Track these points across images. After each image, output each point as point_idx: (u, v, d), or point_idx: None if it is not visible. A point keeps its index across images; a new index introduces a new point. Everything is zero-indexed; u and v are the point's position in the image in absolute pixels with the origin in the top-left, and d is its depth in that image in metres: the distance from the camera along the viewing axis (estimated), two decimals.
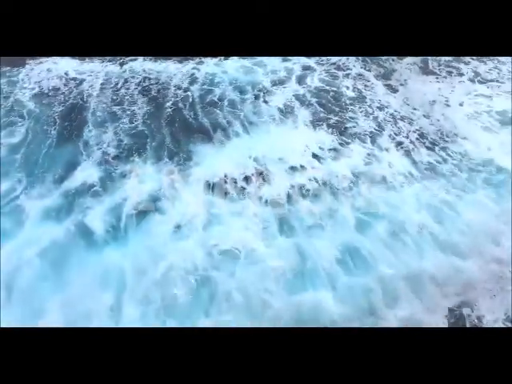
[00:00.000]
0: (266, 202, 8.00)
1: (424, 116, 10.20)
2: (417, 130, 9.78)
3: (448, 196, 8.26)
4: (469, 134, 9.65)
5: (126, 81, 11.23)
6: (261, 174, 8.54)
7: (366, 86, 11.32)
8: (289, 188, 8.26)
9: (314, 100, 10.71)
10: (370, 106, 10.53)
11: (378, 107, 10.54)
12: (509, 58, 12.09)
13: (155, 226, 7.52)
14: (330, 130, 9.77)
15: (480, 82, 11.36)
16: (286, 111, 10.30)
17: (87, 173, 8.50)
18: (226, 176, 8.45)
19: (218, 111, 10.26)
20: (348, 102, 10.70)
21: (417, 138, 9.56)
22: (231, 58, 12.18)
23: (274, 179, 8.44)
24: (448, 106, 10.48)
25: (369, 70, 11.85)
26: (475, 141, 9.48)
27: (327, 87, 11.20)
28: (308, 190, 8.24)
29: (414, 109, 10.50)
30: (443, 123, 9.96)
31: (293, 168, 8.71)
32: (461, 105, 10.43)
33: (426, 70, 11.99)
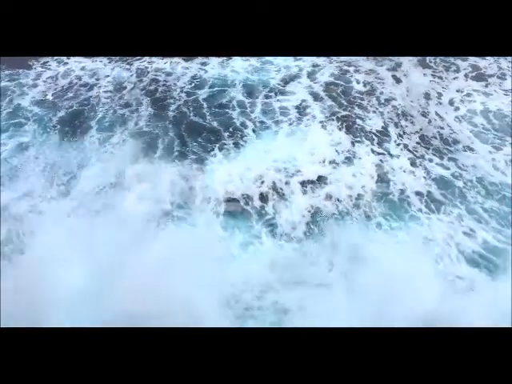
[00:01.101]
0: (283, 236, 7.25)
1: (423, 115, 10.00)
2: (417, 131, 9.54)
3: (488, 237, 7.01)
4: (470, 140, 9.24)
5: (133, 82, 11.11)
6: (275, 189, 8.07)
7: (376, 78, 11.07)
8: (308, 210, 7.61)
9: (325, 97, 10.44)
10: (379, 102, 10.29)
11: (385, 100, 10.32)
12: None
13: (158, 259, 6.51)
14: (343, 130, 9.42)
15: (479, 79, 11.17)
16: (300, 111, 10.04)
17: (95, 176, 8.32)
18: (238, 198, 7.87)
19: (228, 114, 9.99)
20: (359, 98, 10.41)
21: (417, 143, 9.26)
22: (238, 57, 11.99)
23: (291, 197, 7.86)
24: (446, 105, 10.27)
25: (381, 66, 11.65)
26: (480, 150, 8.97)
27: (338, 81, 10.97)
28: (326, 218, 7.51)
29: (412, 101, 10.30)
30: (445, 124, 9.72)
31: (309, 182, 8.16)
32: (452, 106, 10.24)
33: (423, 63, 11.83)
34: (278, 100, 10.42)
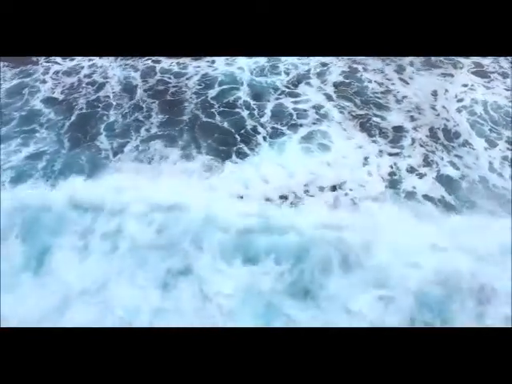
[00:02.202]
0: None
1: (433, 110, 9.80)
2: (426, 124, 9.36)
3: None
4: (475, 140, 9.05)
5: (140, 82, 10.93)
6: (294, 194, 7.85)
7: (387, 79, 10.87)
8: (326, 215, 7.31)
9: (339, 98, 10.22)
10: (397, 101, 10.08)
11: (401, 97, 10.16)
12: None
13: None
14: (361, 130, 9.16)
15: (482, 76, 11.08)
16: (316, 112, 9.75)
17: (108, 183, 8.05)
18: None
19: (240, 117, 9.65)
20: (373, 98, 10.18)
21: (427, 136, 9.05)
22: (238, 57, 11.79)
23: (309, 203, 7.60)
24: (454, 102, 10.05)
25: (388, 65, 11.49)
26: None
27: (348, 80, 10.76)
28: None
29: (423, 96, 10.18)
30: (454, 124, 9.46)
31: (328, 188, 7.90)
32: (459, 100, 10.13)
33: (428, 62, 11.73)
34: (291, 102, 10.07)
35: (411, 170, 8.47)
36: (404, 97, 10.28)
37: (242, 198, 7.71)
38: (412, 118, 9.69)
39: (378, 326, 5.75)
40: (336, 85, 10.69)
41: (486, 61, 11.68)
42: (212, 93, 10.50)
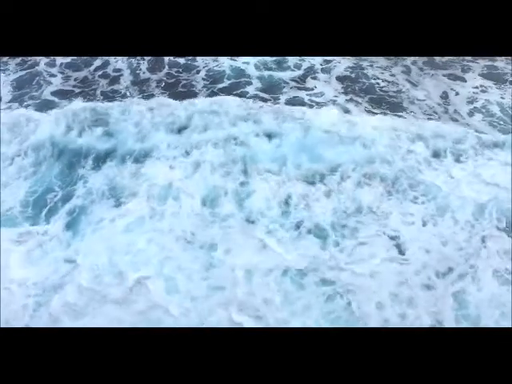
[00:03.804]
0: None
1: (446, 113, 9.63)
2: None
3: None
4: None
5: (148, 78, 10.80)
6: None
7: (392, 75, 10.49)
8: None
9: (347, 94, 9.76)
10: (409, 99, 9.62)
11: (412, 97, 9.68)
12: None
13: None
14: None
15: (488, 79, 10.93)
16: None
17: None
18: None
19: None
20: (386, 93, 9.73)
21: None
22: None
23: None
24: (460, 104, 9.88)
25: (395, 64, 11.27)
26: None
27: (356, 77, 10.31)
28: None
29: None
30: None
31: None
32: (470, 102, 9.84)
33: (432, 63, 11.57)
34: (305, 96, 9.59)
35: None
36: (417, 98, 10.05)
37: None
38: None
39: (379, 324, 5.74)
40: (341, 79, 10.27)
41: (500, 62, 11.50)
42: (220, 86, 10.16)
